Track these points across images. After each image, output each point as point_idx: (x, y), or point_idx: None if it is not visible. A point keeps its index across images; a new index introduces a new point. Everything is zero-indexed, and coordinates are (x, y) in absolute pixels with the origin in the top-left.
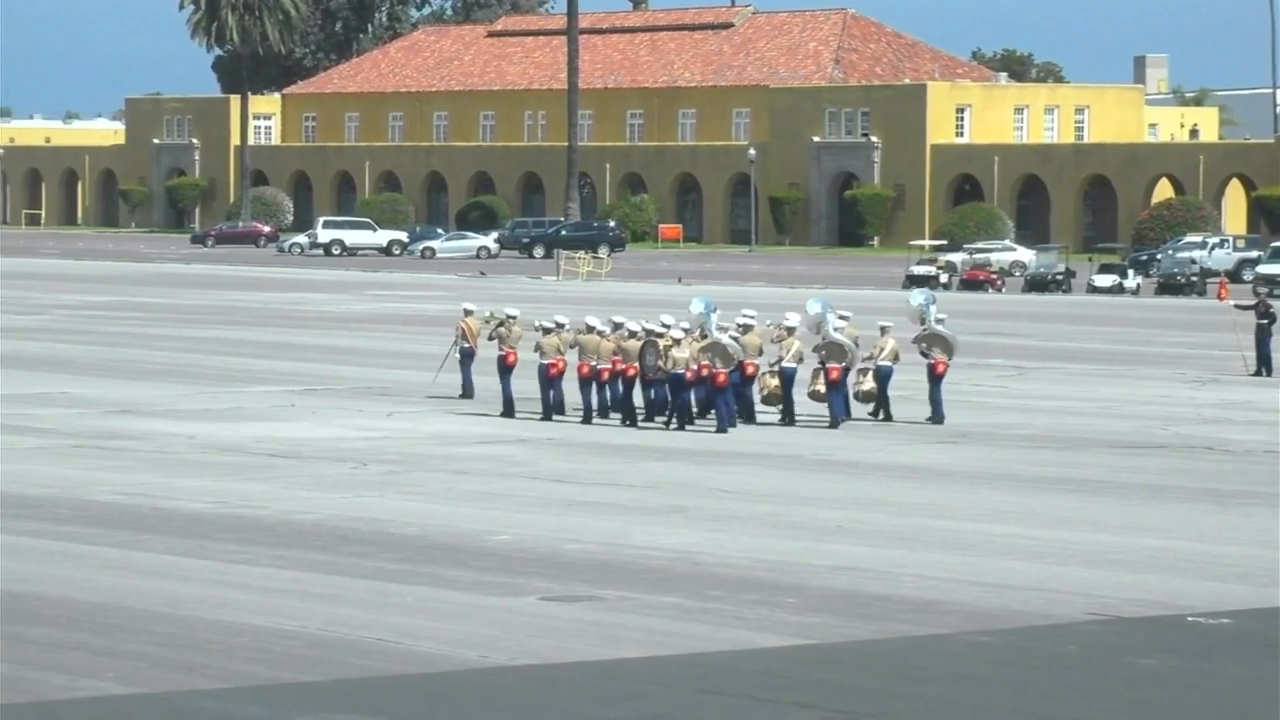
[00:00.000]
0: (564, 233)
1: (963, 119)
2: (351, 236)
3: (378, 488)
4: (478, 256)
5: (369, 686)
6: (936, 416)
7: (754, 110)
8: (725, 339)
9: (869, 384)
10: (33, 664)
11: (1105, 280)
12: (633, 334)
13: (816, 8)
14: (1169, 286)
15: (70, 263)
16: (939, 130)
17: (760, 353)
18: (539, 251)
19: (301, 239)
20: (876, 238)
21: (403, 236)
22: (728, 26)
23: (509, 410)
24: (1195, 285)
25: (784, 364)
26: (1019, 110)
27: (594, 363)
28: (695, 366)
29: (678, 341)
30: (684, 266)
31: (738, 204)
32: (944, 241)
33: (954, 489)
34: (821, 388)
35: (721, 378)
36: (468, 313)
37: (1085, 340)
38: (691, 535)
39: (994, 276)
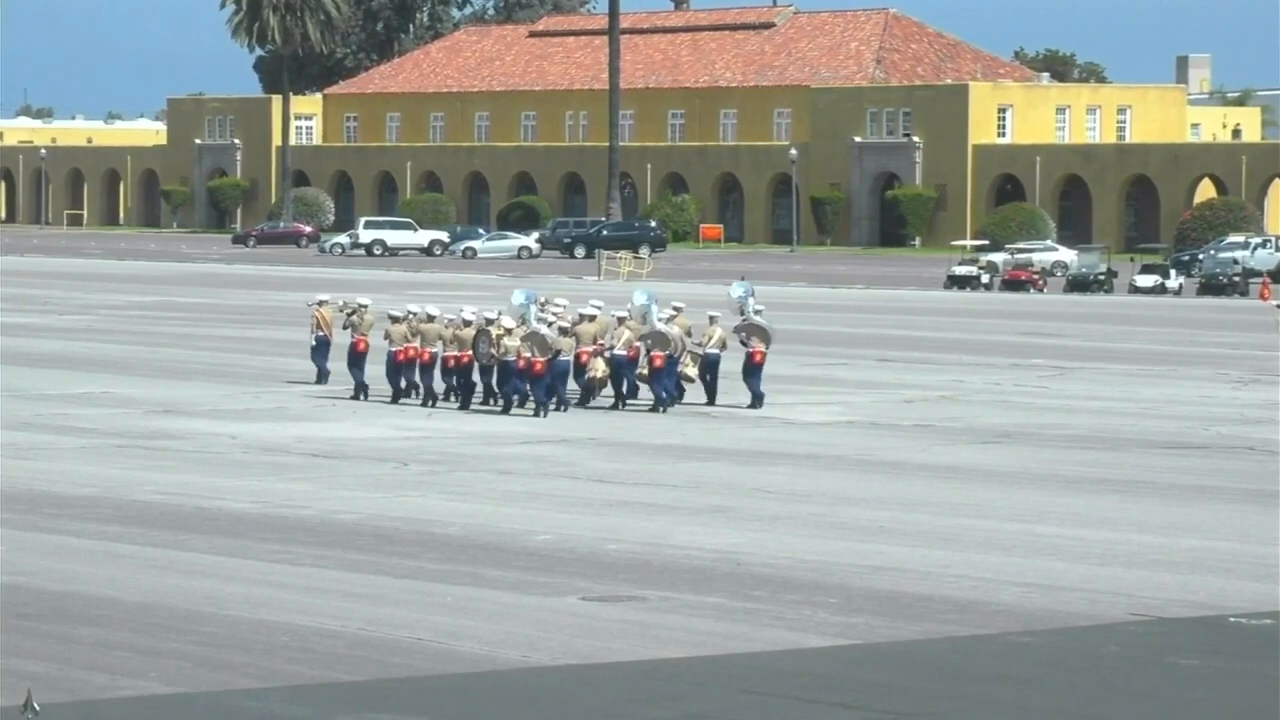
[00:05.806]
0: (605, 233)
1: (1004, 119)
2: (393, 237)
3: (419, 487)
4: (519, 257)
5: (411, 686)
6: (755, 402)
7: (795, 110)
8: (544, 329)
9: (691, 370)
10: (75, 663)
11: (1147, 280)
12: (467, 323)
13: (858, 8)
14: (1211, 287)
15: (112, 263)
16: (981, 130)
17: (595, 341)
18: (580, 251)
19: (343, 239)
20: (918, 238)
21: (444, 236)
22: (769, 26)
23: (360, 393)
24: (1237, 285)
25: (615, 352)
26: (1061, 110)
27: (434, 349)
28: (527, 355)
29: (509, 331)
30: (726, 267)
31: (779, 204)
32: (985, 242)
33: (996, 489)
34: (645, 371)
35: (539, 366)
36: (321, 302)
37: (1127, 341)
38: (733, 535)
39: (1036, 277)
